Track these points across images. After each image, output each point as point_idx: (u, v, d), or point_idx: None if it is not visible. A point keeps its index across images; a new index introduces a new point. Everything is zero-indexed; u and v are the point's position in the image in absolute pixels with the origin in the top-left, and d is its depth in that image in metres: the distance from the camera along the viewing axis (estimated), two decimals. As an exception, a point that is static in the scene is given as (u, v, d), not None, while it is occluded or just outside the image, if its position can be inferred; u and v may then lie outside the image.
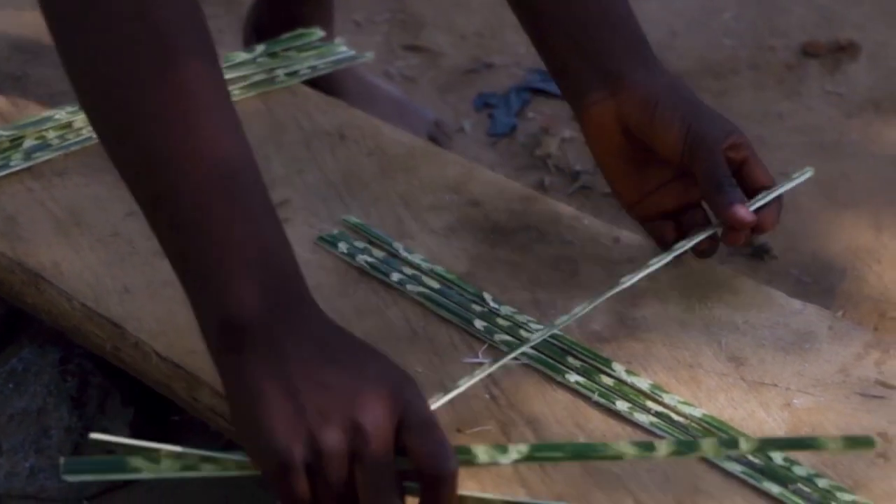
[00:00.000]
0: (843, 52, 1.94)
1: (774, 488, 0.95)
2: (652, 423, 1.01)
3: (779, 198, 1.16)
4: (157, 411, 1.26)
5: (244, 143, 0.93)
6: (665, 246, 1.17)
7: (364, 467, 0.87)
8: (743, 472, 0.97)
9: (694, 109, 1.15)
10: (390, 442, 0.88)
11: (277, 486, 0.87)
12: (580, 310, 1.08)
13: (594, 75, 1.17)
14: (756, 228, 1.13)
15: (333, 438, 0.86)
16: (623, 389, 1.04)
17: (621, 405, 1.03)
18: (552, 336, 1.09)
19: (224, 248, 0.90)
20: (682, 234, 1.17)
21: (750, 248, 1.55)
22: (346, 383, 0.88)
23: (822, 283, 1.47)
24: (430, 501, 0.88)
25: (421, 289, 1.15)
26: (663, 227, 1.18)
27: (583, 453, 0.92)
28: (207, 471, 0.92)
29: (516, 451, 0.92)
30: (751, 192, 1.15)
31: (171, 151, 0.90)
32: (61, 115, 1.36)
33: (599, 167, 1.22)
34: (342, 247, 1.19)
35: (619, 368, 1.06)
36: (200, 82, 0.91)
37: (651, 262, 1.13)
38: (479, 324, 1.11)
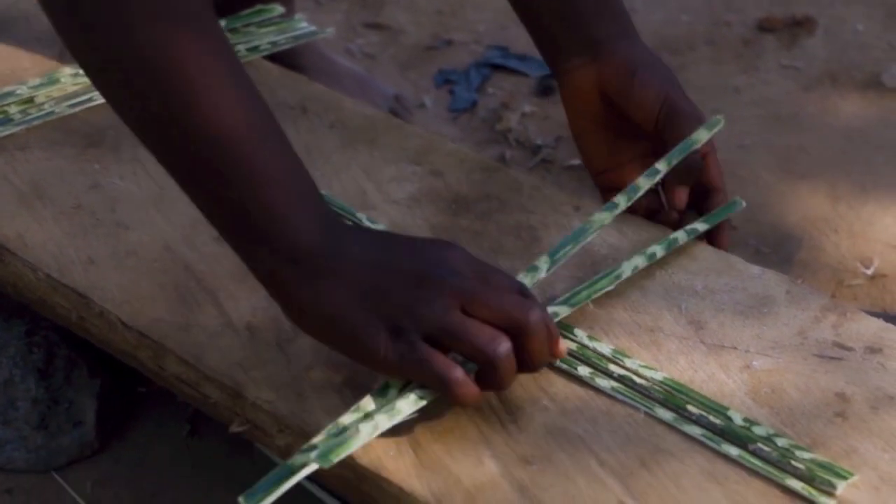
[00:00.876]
0: (799, 26, 1.96)
1: (733, 450, 0.97)
2: (613, 388, 1.03)
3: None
4: (123, 383, 1.27)
5: (261, 97, 0.97)
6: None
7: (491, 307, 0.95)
8: (703, 435, 0.98)
9: (672, 81, 1.19)
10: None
11: (431, 379, 0.94)
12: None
13: (576, 42, 1.20)
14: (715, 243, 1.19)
15: (453, 316, 0.94)
16: (586, 354, 1.06)
17: (583, 370, 1.04)
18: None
19: (277, 188, 0.95)
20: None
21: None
22: (420, 270, 0.95)
23: (780, 253, 1.48)
24: (524, 349, 0.96)
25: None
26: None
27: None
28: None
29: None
30: (704, 188, 1.19)
31: (209, 119, 0.93)
32: (23, 90, 1.36)
33: (573, 133, 1.25)
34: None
35: (581, 334, 1.08)
36: (222, 49, 0.95)
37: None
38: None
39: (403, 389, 0.98)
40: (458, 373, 0.94)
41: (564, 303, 1.09)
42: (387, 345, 0.93)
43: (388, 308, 0.93)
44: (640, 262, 1.13)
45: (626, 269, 1.12)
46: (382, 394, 0.98)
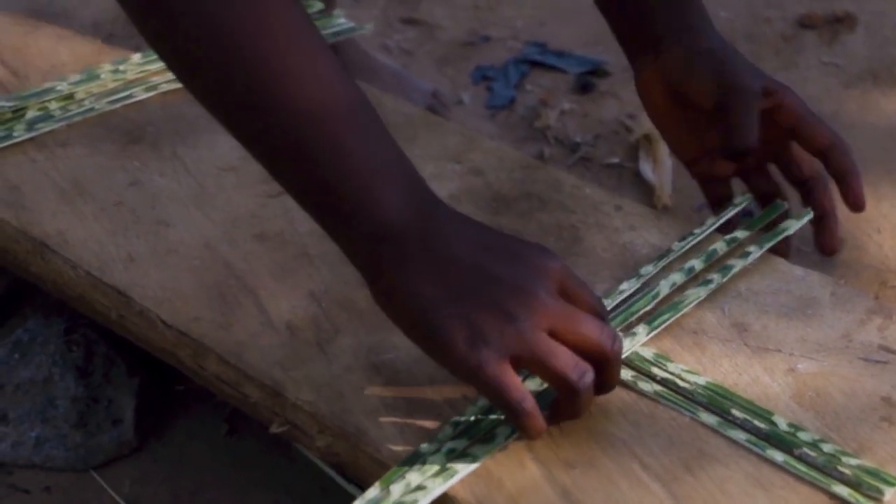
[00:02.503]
0: (839, 23, 1.94)
1: (779, 456, 0.96)
2: (656, 392, 1.02)
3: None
4: (162, 381, 1.27)
5: (346, 71, 0.95)
6: (714, 209, 1.23)
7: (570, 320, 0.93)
8: (747, 440, 0.98)
9: (728, 63, 1.19)
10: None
11: (492, 390, 0.92)
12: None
13: (641, 40, 1.23)
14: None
15: (529, 326, 0.92)
16: (628, 357, 1.05)
17: (625, 374, 1.04)
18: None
19: (369, 162, 0.93)
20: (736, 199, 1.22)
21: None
22: (515, 280, 0.93)
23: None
24: (601, 378, 0.95)
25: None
26: (717, 188, 1.25)
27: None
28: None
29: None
30: (809, 152, 1.19)
31: (299, 101, 0.92)
32: (63, 86, 1.36)
33: (657, 129, 1.26)
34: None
35: (646, 336, 1.07)
36: (305, 23, 0.94)
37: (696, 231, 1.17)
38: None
39: (481, 423, 0.98)
40: (532, 403, 0.92)
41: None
42: (466, 348, 0.91)
43: (476, 312, 0.91)
44: (678, 278, 1.12)
45: (664, 287, 1.11)
46: (460, 426, 0.98)
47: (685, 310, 1.09)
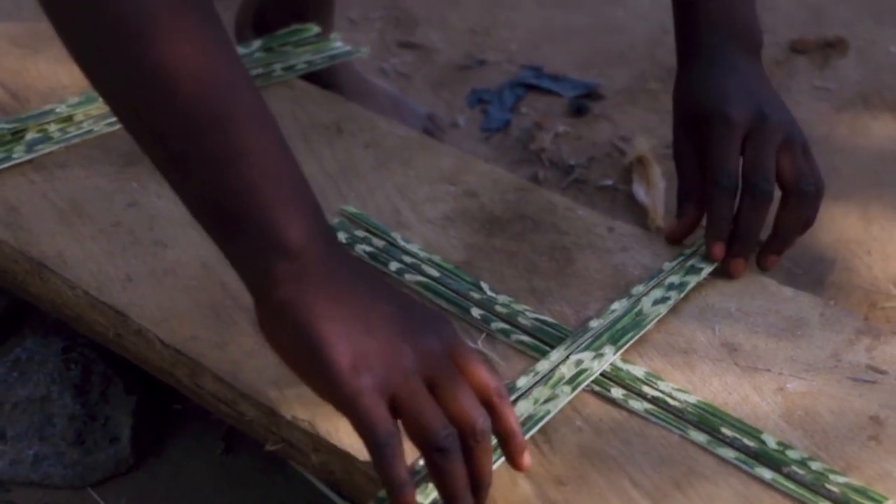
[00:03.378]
0: (831, 48, 1.96)
1: (767, 474, 0.97)
2: (646, 410, 1.03)
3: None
4: (159, 399, 1.27)
5: (254, 87, 0.93)
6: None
7: (444, 381, 0.89)
8: (736, 458, 0.99)
9: (717, 90, 1.20)
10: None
11: (357, 415, 0.87)
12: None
13: (678, 59, 1.25)
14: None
15: (410, 361, 0.88)
16: (619, 375, 1.06)
17: (616, 392, 1.05)
18: (546, 323, 1.11)
19: (270, 184, 0.90)
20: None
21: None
22: (407, 321, 0.90)
23: (812, 274, 1.48)
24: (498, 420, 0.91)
25: (419, 278, 1.16)
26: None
27: None
28: None
29: None
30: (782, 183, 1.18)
31: (199, 117, 0.89)
32: (62, 108, 1.37)
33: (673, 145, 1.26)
34: (340, 236, 1.21)
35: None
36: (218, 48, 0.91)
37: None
38: (476, 312, 1.13)
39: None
40: (396, 447, 0.86)
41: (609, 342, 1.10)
42: (348, 371, 0.86)
43: (366, 340, 0.88)
44: (662, 310, 1.13)
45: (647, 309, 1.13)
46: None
47: (648, 327, 1.10)
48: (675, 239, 1.21)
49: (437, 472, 0.88)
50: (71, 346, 1.26)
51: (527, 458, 0.92)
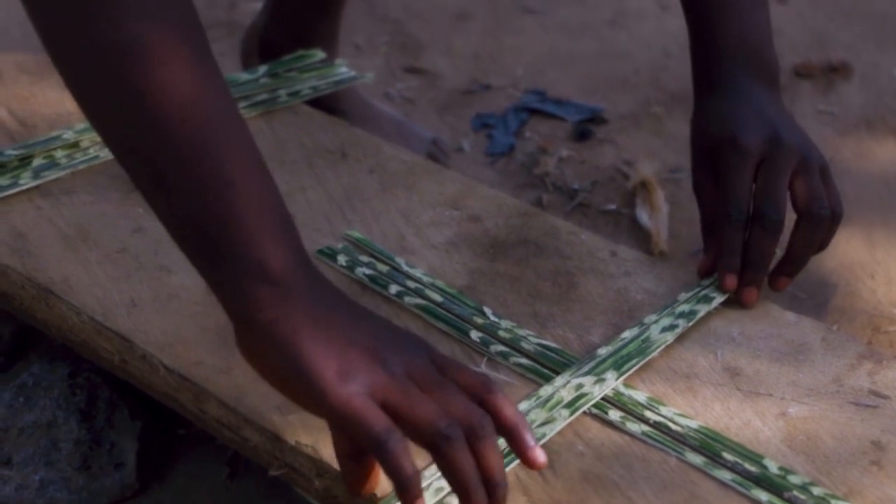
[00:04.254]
0: (835, 72, 1.96)
1: (763, 496, 0.97)
2: (644, 433, 1.03)
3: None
4: (164, 425, 1.28)
5: (239, 117, 0.94)
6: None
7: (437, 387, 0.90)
8: (733, 481, 0.99)
9: (738, 118, 1.21)
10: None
11: (355, 429, 0.88)
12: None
13: (695, 91, 1.27)
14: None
15: (397, 370, 0.90)
16: (621, 400, 1.06)
17: (614, 415, 1.05)
18: (549, 348, 1.11)
19: (255, 213, 0.92)
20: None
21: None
22: (387, 339, 0.92)
23: (816, 299, 1.49)
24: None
25: (419, 301, 1.17)
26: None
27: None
28: None
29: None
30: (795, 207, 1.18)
31: (186, 146, 0.90)
32: (69, 134, 1.38)
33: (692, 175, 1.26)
34: (341, 259, 1.22)
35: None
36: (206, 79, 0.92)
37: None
38: (475, 335, 1.13)
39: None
40: (399, 441, 0.87)
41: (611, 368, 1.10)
42: (336, 381, 0.88)
43: (350, 351, 0.90)
44: (669, 338, 1.13)
45: (655, 338, 1.13)
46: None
47: (653, 354, 1.10)
48: (704, 274, 1.21)
49: (445, 464, 0.88)
50: (77, 372, 1.27)
51: (539, 455, 0.91)
